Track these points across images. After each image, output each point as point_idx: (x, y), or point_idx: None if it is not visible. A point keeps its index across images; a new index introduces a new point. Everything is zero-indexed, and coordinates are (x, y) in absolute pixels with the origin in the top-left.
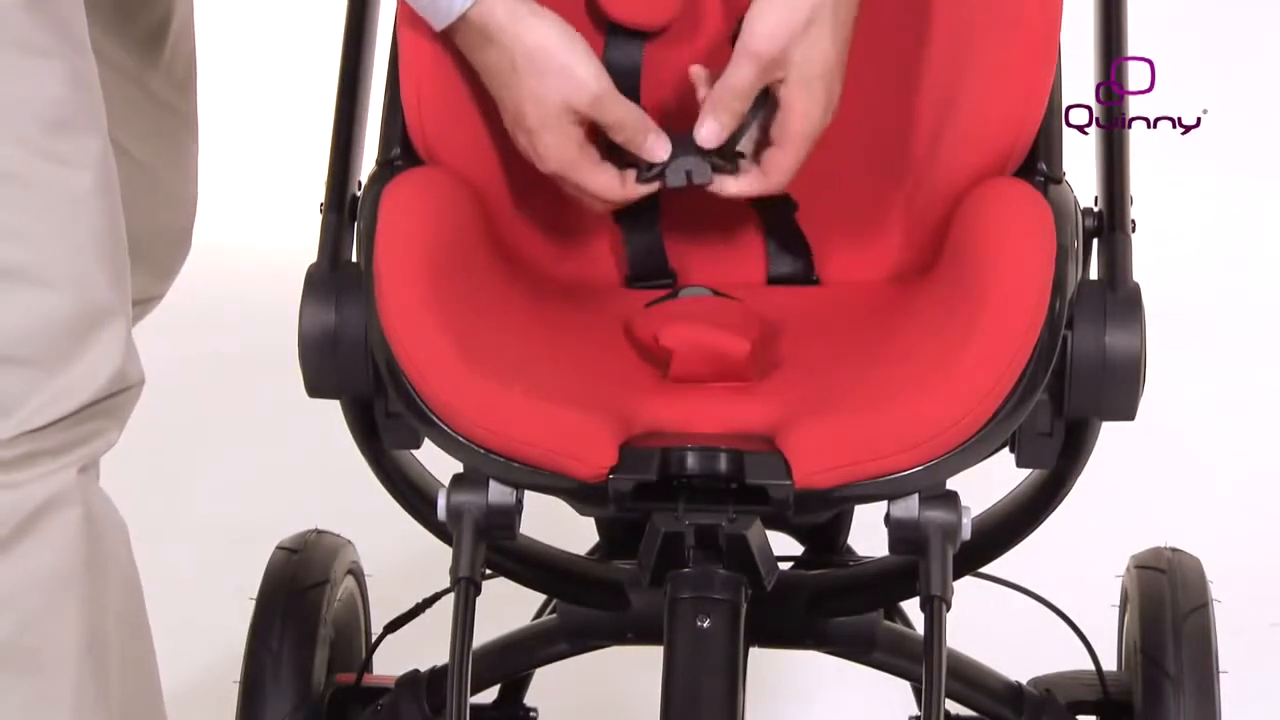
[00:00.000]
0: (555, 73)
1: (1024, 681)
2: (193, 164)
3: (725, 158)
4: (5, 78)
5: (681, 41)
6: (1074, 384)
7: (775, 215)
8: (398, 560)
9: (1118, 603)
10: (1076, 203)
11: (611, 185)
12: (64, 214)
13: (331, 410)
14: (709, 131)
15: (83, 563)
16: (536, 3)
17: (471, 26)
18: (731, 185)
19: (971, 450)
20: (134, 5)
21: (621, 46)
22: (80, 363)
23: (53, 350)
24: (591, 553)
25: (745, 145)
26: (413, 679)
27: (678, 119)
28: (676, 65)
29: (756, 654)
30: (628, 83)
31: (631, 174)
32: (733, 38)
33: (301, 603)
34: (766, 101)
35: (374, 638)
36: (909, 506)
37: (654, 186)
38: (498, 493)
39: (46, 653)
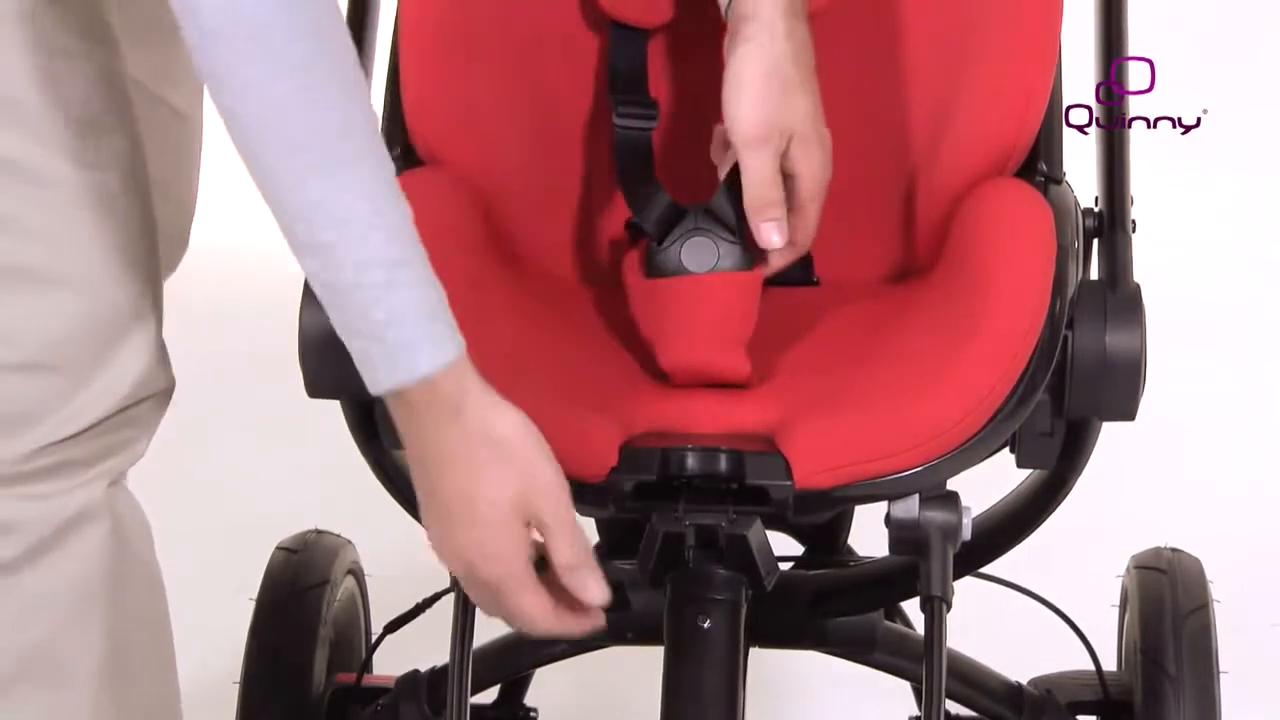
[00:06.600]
0: (520, 467)
1: (1024, 681)
2: (196, 164)
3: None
4: (33, 79)
5: (686, 38)
6: (1074, 384)
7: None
8: (398, 560)
9: (1118, 603)
10: (1076, 203)
11: (538, 611)
12: (92, 216)
13: (331, 410)
14: (767, 235)
15: (108, 573)
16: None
17: (438, 396)
18: (773, 262)
19: (972, 450)
20: (161, 12)
21: (624, 44)
22: (108, 369)
23: (80, 357)
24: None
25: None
26: (413, 679)
27: (685, 115)
28: (681, 59)
29: (756, 654)
30: (633, 80)
31: (563, 608)
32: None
33: (301, 603)
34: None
35: (374, 638)
36: (909, 507)
37: (599, 628)
38: None
39: (66, 665)
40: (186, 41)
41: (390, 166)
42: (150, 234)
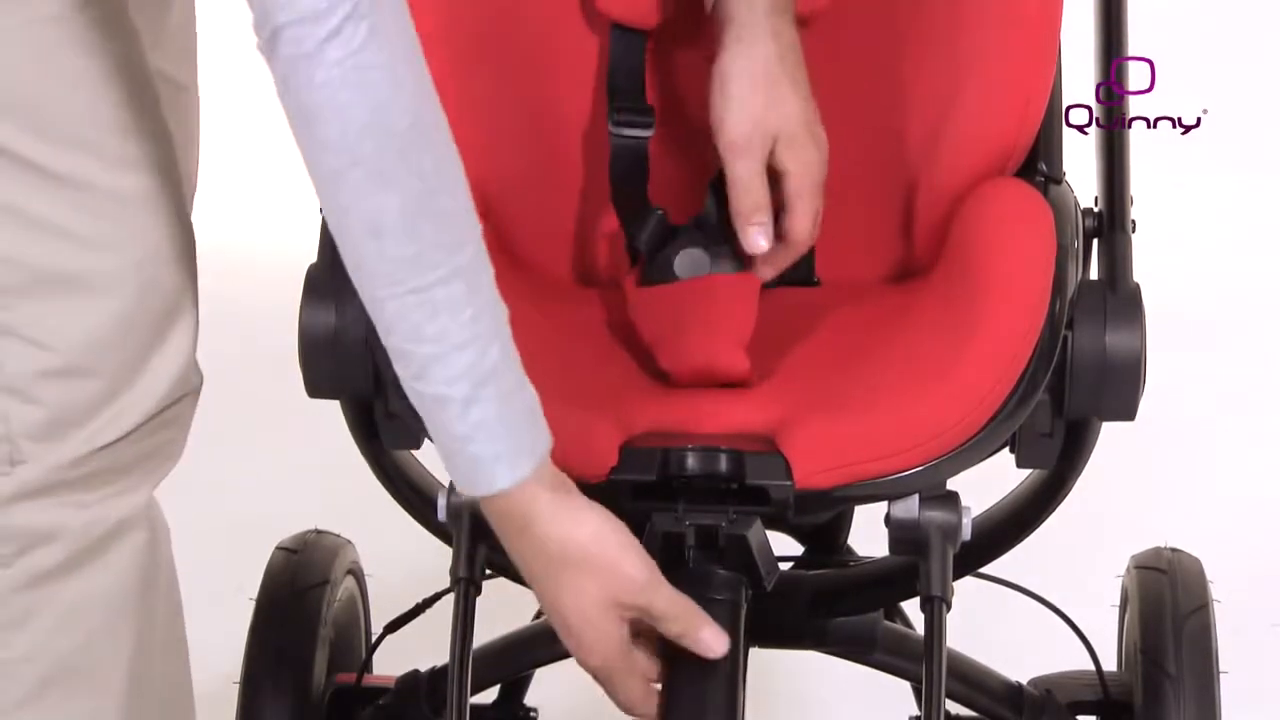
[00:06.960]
0: (600, 573)
1: (1024, 681)
2: (195, 137)
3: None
4: (68, 83)
5: (684, 39)
6: (1074, 384)
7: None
8: (398, 560)
9: (1118, 603)
10: (1076, 203)
11: (635, 698)
12: (130, 218)
13: (331, 410)
14: (753, 240)
15: (141, 581)
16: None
17: (512, 507)
18: (767, 269)
19: (972, 450)
20: None
21: (623, 44)
22: (147, 371)
23: (119, 360)
24: None
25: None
26: (413, 679)
27: (684, 115)
28: (680, 62)
29: (756, 654)
30: (632, 80)
31: (655, 693)
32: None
33: (301, 603)
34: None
35: (374, 638)
36: (909, 507)
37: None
38: None
39: (97, 672)
40: (304, 156)
41: (489, 269)
42: (186, 230)
